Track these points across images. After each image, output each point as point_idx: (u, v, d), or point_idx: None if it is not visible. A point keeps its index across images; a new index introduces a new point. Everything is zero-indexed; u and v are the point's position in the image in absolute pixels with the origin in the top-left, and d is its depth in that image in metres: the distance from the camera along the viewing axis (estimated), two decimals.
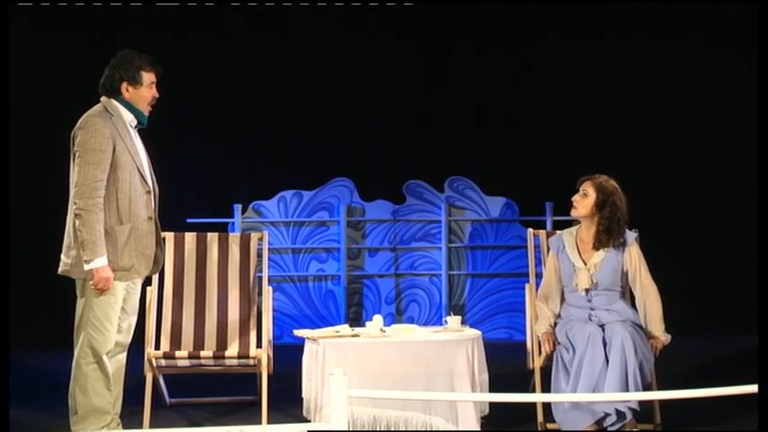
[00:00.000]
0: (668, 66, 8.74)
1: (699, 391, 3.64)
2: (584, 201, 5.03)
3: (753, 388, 3.54)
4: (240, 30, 8.46)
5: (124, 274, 4.59)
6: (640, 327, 4.94)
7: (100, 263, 4.47)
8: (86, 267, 4.47)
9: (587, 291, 4.99)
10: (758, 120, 5.24)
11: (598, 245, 5.01)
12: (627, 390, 4.67)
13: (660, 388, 5.09)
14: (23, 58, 8.04)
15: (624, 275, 5.05)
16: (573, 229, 5.15)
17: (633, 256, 5.03)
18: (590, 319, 4.96)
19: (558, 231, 5.30)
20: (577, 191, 5.08)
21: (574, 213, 5.07)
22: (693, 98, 8.73)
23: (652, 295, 4.99)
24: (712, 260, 8.73)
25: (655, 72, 8.73)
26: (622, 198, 5.03)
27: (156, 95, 4.72)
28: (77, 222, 4.48)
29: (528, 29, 8.70)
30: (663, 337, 4.95)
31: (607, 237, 5.00)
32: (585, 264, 5.00)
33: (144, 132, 4.81)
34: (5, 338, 5.86)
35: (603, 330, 4.84)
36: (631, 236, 5.07)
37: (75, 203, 4.49)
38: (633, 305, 5.08)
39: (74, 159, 4.55)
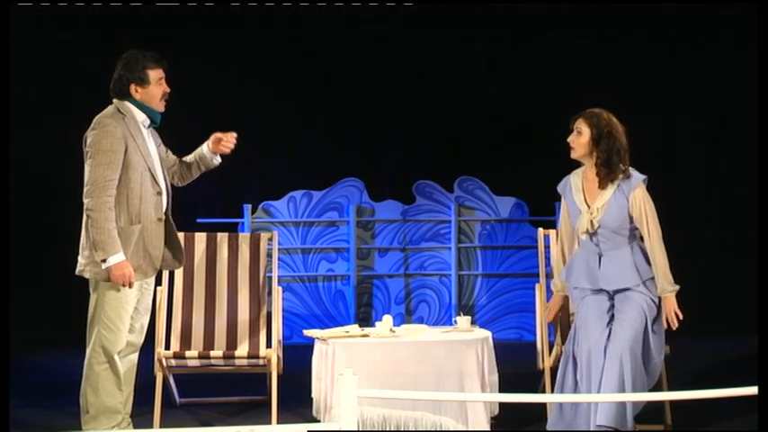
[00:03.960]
0: (675, 64, 8.72)
1: (701, 392, 3.62)
2: (579, 139, 4.81)
3: (753, 389, 3.51)
4: (252, 29, 8.47)
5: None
6: (652, 300, 4.71)
7: (114, 260, 4.47)
8: (103, 267, 4.49)
9: (590, 235, 4.78)
10: (758, 120, 5.21)
11: (602, 183, 4.77)
12: (619, 409, 4.54)
13: (672, 388, 5.07)
14: (35, 54, 8.09)
15: (632, 218, 4.77)
16: (580, 170, 4.93)
17: (637, 200, 4.72)
18: (599, 270, 4.73)
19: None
20: (571, 131, 4.84)
21: (573, 155, 4.85)
22: (700, 98, 8.72)
23: (655, 246, 4.72)
24: (723, 260, 8.71)
25: (661, 71, 8.71)
26: (619, 128, 4.79)
27: (168, 90, 4.72)
28: (88, 222, 4.50)
29: (536, 28, 8.70)
30: (670, 292, 4.69)
31: (607, 170, 4.75)
32: (589, 207, 4.79)
33: (158, 131, 4.83)
34: (5, 338, 5.88)
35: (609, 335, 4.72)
36: (638, 177, 4.76)
37: (85, 203, 4.50)
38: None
39: (86, 160, 4.57)
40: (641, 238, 4.83)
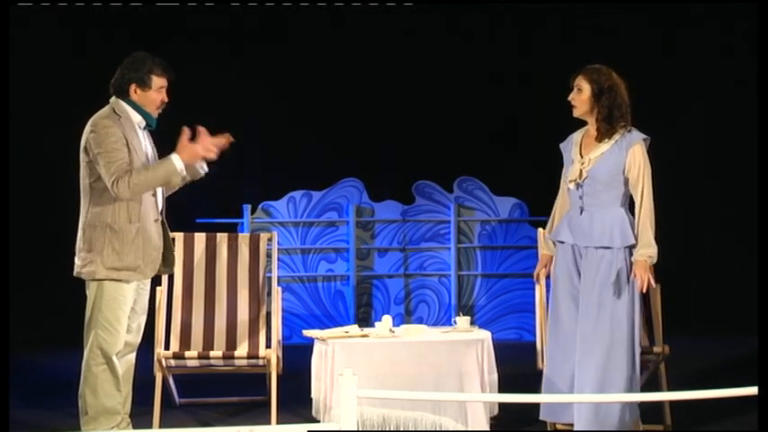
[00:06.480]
0: (678, 64, 8.73)
1: (701, 392, 3.62)
2: (579, 96, 4.74)
3: (753, 389, 3.51)
4: (250, 30, 8.47)
5: (130, 274, 4.60)
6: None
7: (176, 159, 4.54)
8: (181, 168, 4.55)
9: (578, 185, 4.70)
10: (758, 120, 5.20)
11: (600, 137, 4.68)
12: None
13: (672, 388, 5.07)
14: (35, 54, 8.09)
15: (625, 180, 4.65)
16: (584, 128, 4.86)
17: (637, 157, 4.62)
18: (577, 227, 4.68)
19: None
20: (572, 88, 4.76)
21: (574, 113, 4.78)
22: (700, 98, 8.72)
23: (646, 209, 4.59)
24: (723, 260, 8.70)
25: (663, 70, 8.72)
26: (620, 83, 4.72)
27: (165, 100, 4.71)
28: (140, 190, 4.52)
29: (535, 21, 8.70)
30: (648, 258, 4.55)
31: (607, 125, 4.65)
32: (582, 157, 4.72)
33: (152, 133, 4.82)
34: (5, 338, 5.89)
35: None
36: (639, 135, 4.67)
37: (119, 192, 4.47)
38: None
39: (97, 163, 4.55)
40: (628, 208, 4.72)
